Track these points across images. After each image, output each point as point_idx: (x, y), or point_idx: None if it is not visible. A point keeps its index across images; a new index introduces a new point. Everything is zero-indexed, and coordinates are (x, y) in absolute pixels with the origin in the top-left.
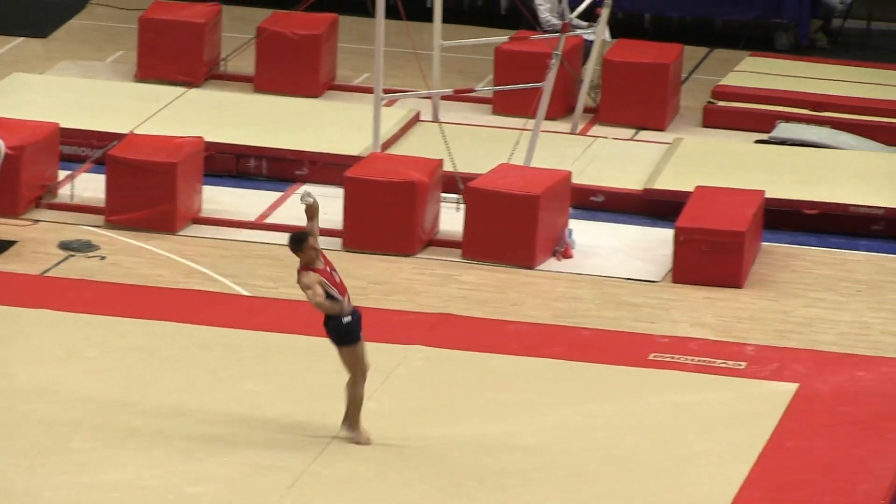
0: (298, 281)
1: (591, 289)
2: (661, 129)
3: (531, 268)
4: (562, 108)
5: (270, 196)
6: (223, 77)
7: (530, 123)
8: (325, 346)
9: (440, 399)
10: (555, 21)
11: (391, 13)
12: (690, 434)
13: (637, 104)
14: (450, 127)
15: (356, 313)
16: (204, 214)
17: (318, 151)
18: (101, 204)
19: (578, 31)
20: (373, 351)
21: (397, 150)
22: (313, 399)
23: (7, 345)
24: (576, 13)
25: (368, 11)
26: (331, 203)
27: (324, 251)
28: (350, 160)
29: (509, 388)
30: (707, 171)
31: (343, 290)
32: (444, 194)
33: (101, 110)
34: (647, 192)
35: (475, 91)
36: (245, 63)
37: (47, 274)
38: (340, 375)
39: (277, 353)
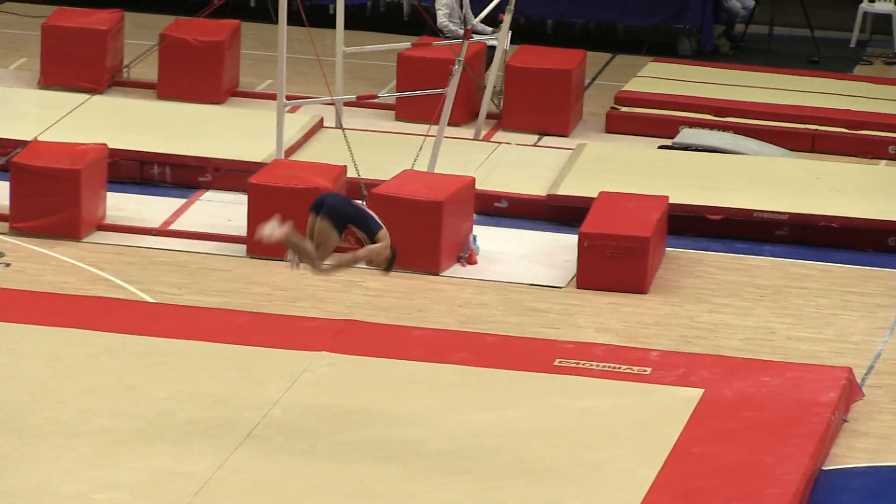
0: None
1: (496, 295)
2: (564, 135)
3: (436, 274)
4: (465, 114)
5: (174, 203)
6: (126, 84)
7: (433, 129)
8: (230, 352)
9: (347, 405)
10: (452, 26)
11: (294, 20)
12: (596, 440)
13: (540, 110)
14: (353, 133)
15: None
16: (108, 221)
17: (221, 158)
18: (6, 211)
19: (481, 37)
20: (278, 358)
21: (301, 156)
22: (219, 405)
23: None
24: (478, 18)
25: (271, 18)
26: (235, 210)
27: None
28: (253, 167)
29: (415, 394)
30: (611, 176)
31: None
32: None
33: (5, 117)
34: (550, 197)
35: (378, 97)
36: (148, 70)
37: None
38: (246, 382)
39: (183, 360)
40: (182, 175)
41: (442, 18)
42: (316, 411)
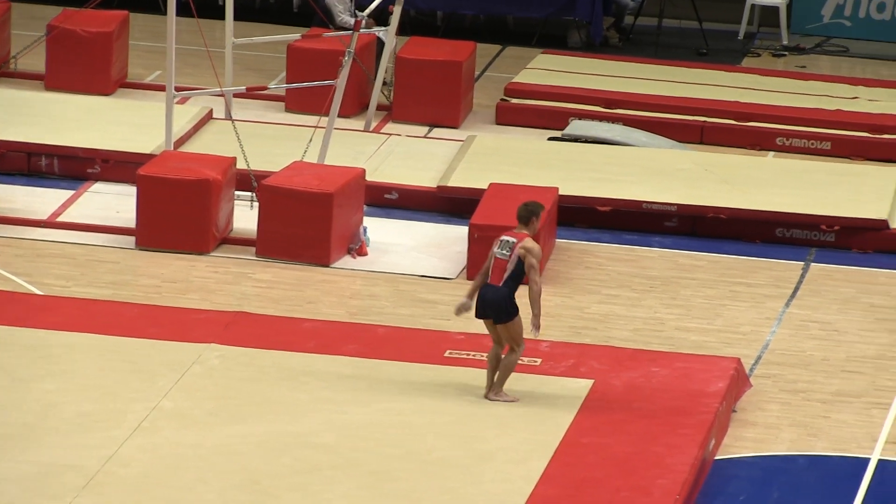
0: (530, 250)
1: (387, 286)
2: (454, 127)
3: (326, 265)
4: (355, 105)
5: (63, 194)
6: (13, 75)
7: (324, 121)
8: (119, 345)
9: (237, 397)
10: (350, 22)
11: (183, 11)
12: (487, 431)
13: (430, 102)
14: (243, 125)
15: None
16: None
17: (110, 150)
18: None
19: (371, 29)
20: (168, 350)
21: (190, 147)
22: (108, 398)
23: None
24: (367, 11)
25: (160, 9)
26: (124, 201)
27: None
28: (142, 158)
29: (306, 386)
30: (501, 168)
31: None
32: (237, 192)
33: None
34: (441, 189)
35: (268, 89)
36: (35, 61)
37: None
38: (135, 374)
39: (72, 352)
40: (70, 167)
41: (341, 14)
42: (205, 404)
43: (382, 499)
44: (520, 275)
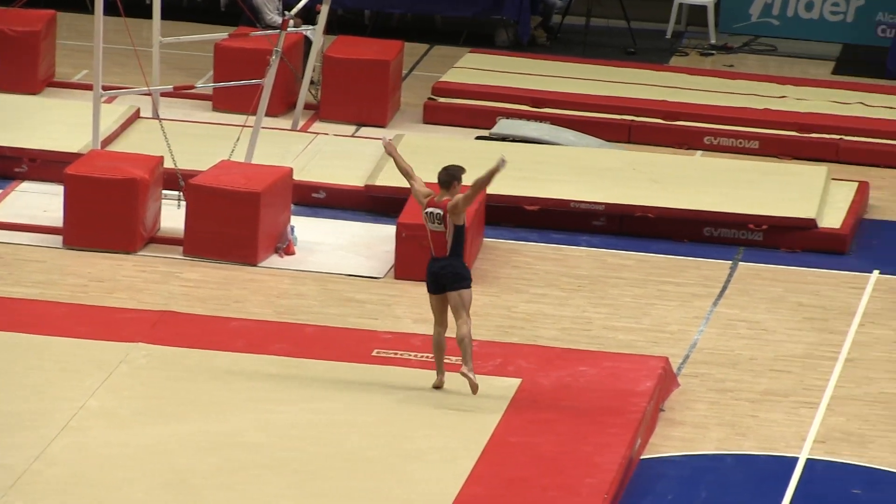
0: (455, 204)
1: (315, 285)
2: (382, 126)
3: (254, 265)
4: (283, 104)
5: None
6: None
7: (251, 120)
8: (47, 344)
9: (163, 397)
10: (277, 20)
11: (110, 10)
12: (415, 430)
13: (358, 101)
14: (170, 124)
15: None
16: None
17: (37, 149)
18: None
19: (299, 28)
20: (95, 349)
21: (117, 147)
22: (36, 397)
23: None
24: (295, 10)
25: (87, 8)
26: (51, 201)
27: None
28: (70, 157)
29: (233, 385)
30: (428, 167)
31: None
32: (165, 191)
33: None
34: (368, 188)
35: (195, 88)
36: None
37: None
38: (63, 374)
39: (0, 352)
40: None
41: (270, 13)
42: (132, 403)
43: (310, 498)
44: (461, 240)
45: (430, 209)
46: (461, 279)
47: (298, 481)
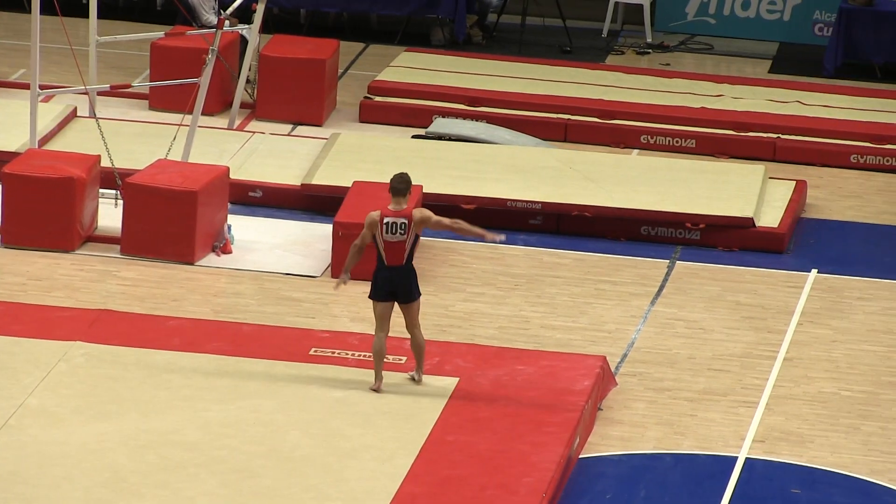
0: (428, 219)
1: (251, 284)
2: (318, 125)
3: (191, 263)
4: (219, 103)
5: None
6: None
7: (188, 119)
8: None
9: (101, 395)
10: (213, 20)
11: (47, 9)
12: (352, 428)
13: (294, 99)
14: (107, 123)
15: None
16: None
17: None
18: None
19: (235, 27)
20: (33, 347)
21: (55, 146)
22: None
23: None
24: (231, 9)
25: (24, 7)
26: None
27: None
28: (7, 156)
29: (170, 383)
30: (364, 166)
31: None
32: (102, 190)
33: None
34: (305, 187)
35: (132, 87)
36: None
37: None
38: (2, 372)
39: None
40: None
41: (206, 13)
42: (70, 401)
43: (245, 497)
44: (414, 249)
45: (388, 219)
46: (417, 289)
47: (235, 480)
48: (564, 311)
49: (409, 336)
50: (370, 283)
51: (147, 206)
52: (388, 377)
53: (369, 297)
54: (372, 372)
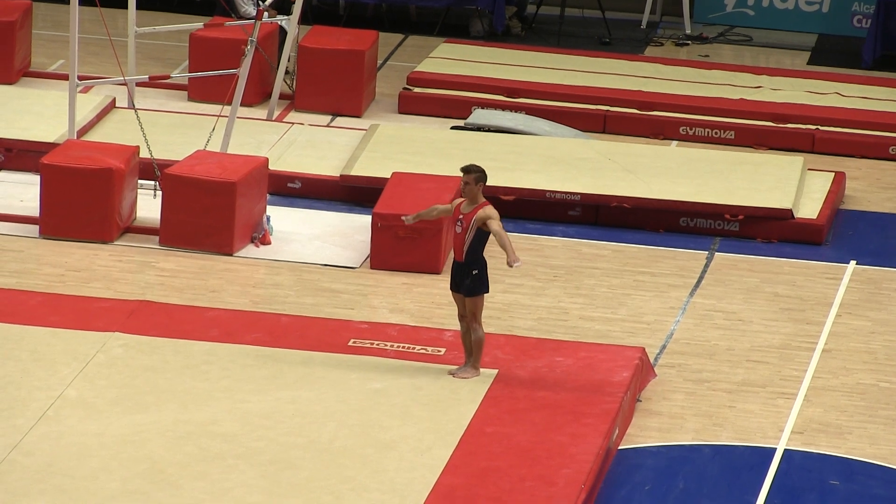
0: (484, 219)
1: (290, 275)
2: (357, 116)
3: (229, 254)
4: (258, 94)
5: None
6: None
7: (226, 110)
8: (22, 333)
9: (139, 386)
10: (252, 11)
11: (86, 0)
12: (391, 420)
13: (333, 90)
14: (146, 114)
15: None
16: None
17: (13, 139)
18: None
19: (274, 18)
20: (72, 338)
21: (93, 136)
22: (12, 386)
23: None
24: (269, 0)
25: None
26: (27, 190)
27: None
28: (46, 147)
29: (208, 374)
30: (403, 157)
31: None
32: (140, 181)
33: None
34: (344, 178)
35: (170, 78)
36: None
37: None
38: (39, 363)
39: None
40: None
41: (244, 6)
42: (108, 392)
43: (283, 488)
44: (477, 247)
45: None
46: (473, 286)
47: (273, 471)
48: (603, 302)
49: (455, 329)
50: (408, 274)
51: (186, 197)
52: (427, 369)
53: None
54: (412, 364)
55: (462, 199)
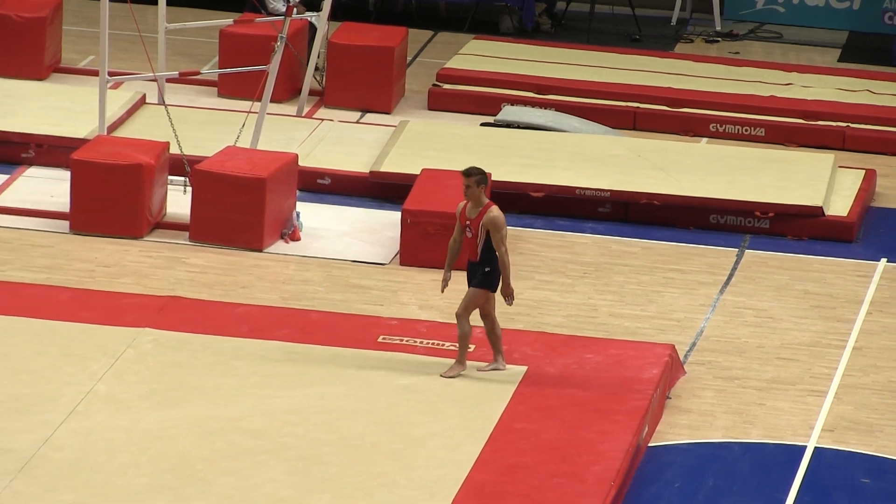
0: (490, 224)
1: (320, 271)
2: (386, 112)
3: (259, 250)
4: (288, 90)
5: None
6: None
7: (256, 106)
8: (53, 329)
9: (169, 382)
10: (282, 7)
11: None
12: (420, 416)
13: (362, 87)
14: (176, 109)
15: None
16: None
17: (44, 134)
18: None
19: (303, 15)
20: (102, 334)
21: (123, 132)
22: (41, 382)
23: None
24: None
25: None
26: (58, 186)
27: None
28: (76, 143)
29: (238, 370)
30: (433, 153)
31: None
32: (171, 177)
33: None
34: (373, 174)
35: (201, 74)
36: None
37: None
38: (69, 358)
39: (5, 336)
40: (4, 151)
41: (273, 2)
42: (138, 388)
43: (313, 483)
44: (490, 248)
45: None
46: (479, 281)
47: (302, 467)
48: (633, 299)
49: (476, 324)
50: (438, 270)
51: (216, 193)
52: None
53: None
54: (441, 360)
55: (465, 203)
